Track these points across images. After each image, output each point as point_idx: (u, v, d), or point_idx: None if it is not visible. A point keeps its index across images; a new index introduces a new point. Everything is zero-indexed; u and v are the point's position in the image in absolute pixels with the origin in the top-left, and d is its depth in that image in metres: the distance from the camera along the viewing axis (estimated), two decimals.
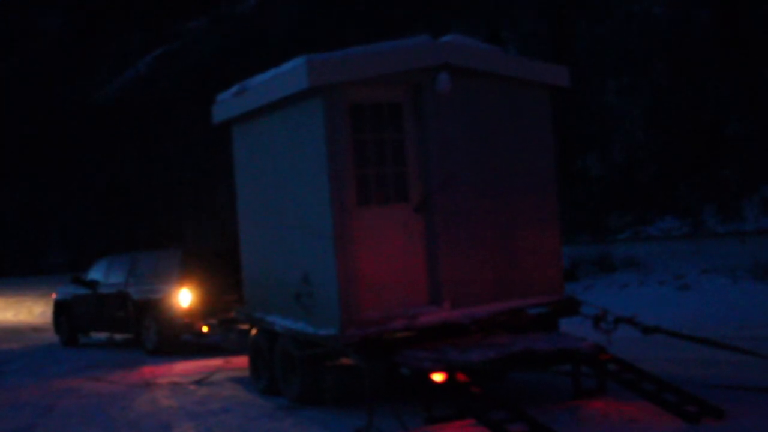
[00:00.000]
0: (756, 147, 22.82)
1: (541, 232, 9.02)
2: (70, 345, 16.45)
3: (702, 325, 11.54)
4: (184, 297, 13.58)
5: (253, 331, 10.01)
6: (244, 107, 9.41)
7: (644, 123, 28.20)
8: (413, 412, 7.53)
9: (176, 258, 14.19)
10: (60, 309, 16.91)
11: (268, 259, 9.49)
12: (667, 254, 21.31)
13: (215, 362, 12.28)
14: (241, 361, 11.20)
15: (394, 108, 8.43)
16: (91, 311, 15.89)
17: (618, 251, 21.86)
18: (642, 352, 9.50)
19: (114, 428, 8.40)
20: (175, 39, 55.65)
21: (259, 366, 9.84)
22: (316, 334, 8.22)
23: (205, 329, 13.41)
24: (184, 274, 13.80)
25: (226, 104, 9.87)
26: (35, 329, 20.04)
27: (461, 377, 7.39)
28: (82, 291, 16.05)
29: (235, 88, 9.57)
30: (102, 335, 16.80)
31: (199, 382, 10.71)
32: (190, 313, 13.55)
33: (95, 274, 16.05)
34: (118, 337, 16.50)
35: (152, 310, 14.09)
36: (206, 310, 13.51)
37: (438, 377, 7.33)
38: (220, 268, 13.70)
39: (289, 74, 8.17)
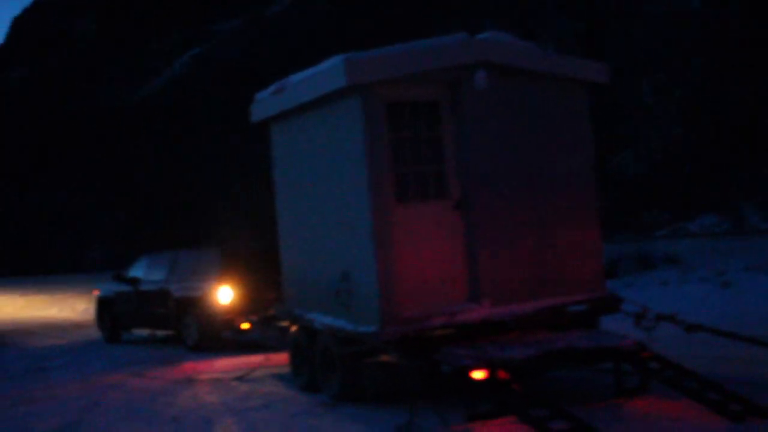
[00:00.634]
0: None
1: (581, 229, 8.97)
2: (113, 341, 16.65)
3: (744, 323, 11.38)
4: (225, 294, 13.69)
5: (293, 329, 10.07)
6: (282, 106, 9.47)
7: (681, 120, 27.92)
8: (454, 409, 7.55)
9: (216, 256, 14.32)
10: (102, 306, 17.11)
11: (307, 256, 9.55)
12: (707, 251, 21.05)
13: (255, 359, 12.35)
14: (281, 358, 11.27)
15: (431, 106, 8.44)
16: (133, 308, 16.07)
17: (658, 248, 21.64)
18: (684, 350, 9.41)
19: (158, 423, 8.51)
20: (210, 39, 56.06)
21: (299, 363, 9.90)
22: (355, 332, 8.26)
23: (245, 326, 13.51)
24: (224, 271, 13.91)
25: (264, 103, 9.94)
26: (78, 326, 20.29)
27: (502, 374, 7.38)
28: (124, 288, 16.24)
29: (273, 87, 9.63)
30: (144, 332, 16.98)
31: (240, 379, 10.80)
32: (231, 310, 13.65)
33: (136, 271, 16.23)
34: (159, 333, 16.66)
35: (193, 307, 14.22)
36: (246, 307, 13.60)
37: (478, 374, 7.32)
38: (259, 266, 13.79)
39: (327, 73, 8.21)
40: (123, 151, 52.71)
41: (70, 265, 51.18)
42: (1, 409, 9.77)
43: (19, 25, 76.02)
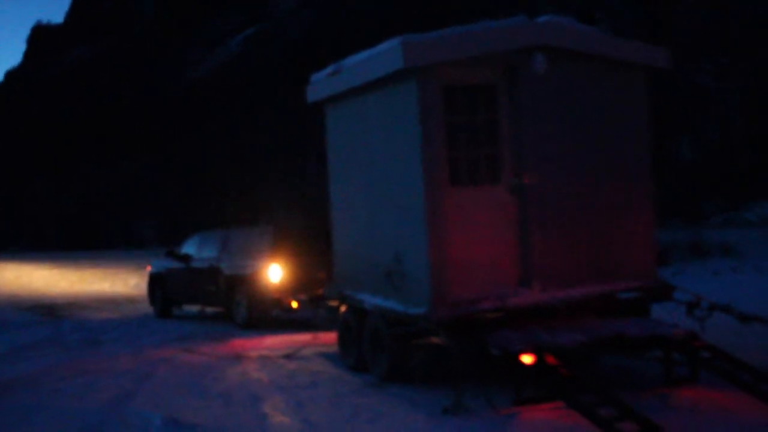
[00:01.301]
0: None
1: (634, 215, 8.90)
2: (164, 316, 16.90)
3: None
4: (275, 273, 13.81)
5: (343, 308, 10.14)
6: (338, 87, 9.51)
7: (742, 106, 27.39)
8: (502, 393, 7.56)
9: (268, 234, 14.43)
10: (154, 281, 17.38)
11: (359, 237, 9.60)
12: (762, 241, 20.69)
13: (303, 337, 12.47)
14: (329, 337, 11.37)
15: (488, 89, 8.42)
16: (184, 284, 16.30)
17: (711, 237, 21.31)
18: (736, 342, 9.28)
19: (207, 398, 8.63)
20: (267, 19, 56.30)
21: (347, 342, 9.97)
22: (406, 313, 8.29)
23: (294, 305, 13.64)
24: (275, 250, 14.03)
25: (320, 84, 9.99)
26: (130, 300, 20.63)
27: (551, 359, 7.38)
28: (176, 264, 16.47)
29: (329, 69, 9.67)
30: (194, 308, 17.22)
31: (288, 357, 10.91)
32: (280, 288, 13.77)
33: (188, 248, 16.44)
34: (209, 310, 16.89)
35: (243, 285, 14.38)
36: (296, 286, 13.72)
37: (527, 359, 7.34)
38: (310, 246, 13.89)
39: (384, 55, 8.22)
40: (179, 130, 53.30)
41: (124, 242, 52.05)
42: (59, 380, 9.98)
43: (79, 4, 77.09)
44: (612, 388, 7.38)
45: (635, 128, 8.95)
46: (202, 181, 49.70)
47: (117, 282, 26.21)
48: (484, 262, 8.29)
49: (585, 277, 8.55)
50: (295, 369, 10.06)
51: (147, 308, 17.76)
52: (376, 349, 9.13)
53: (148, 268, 18.01)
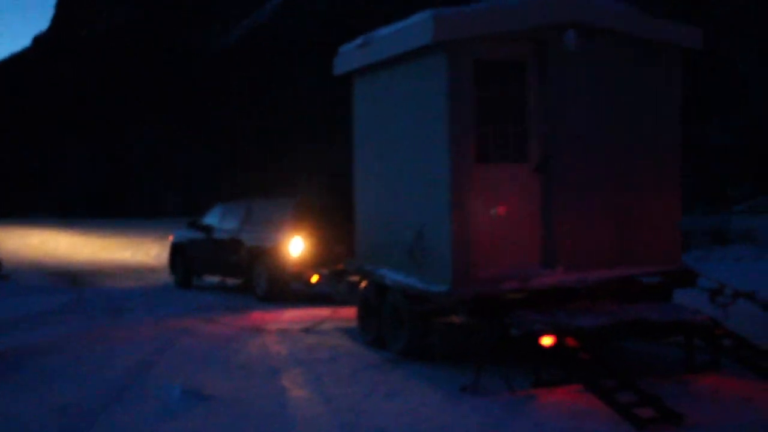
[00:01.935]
0: None
1: (661, 199, 8.80)
2: (184, 286, 16.99)
3: None
4: (296, 246, 13.82)
5: (363, 284, 10.13)
6: (367, 60, 9.44)
7: None
8: (521, 374, 7.54)
9: (290, 207, 14.43)
10: (176, 251, 17.44)
11: (382, 212, 9.57)
12: None
13: (323, 312, 12.48)
14: (348, 312, 11.37)
15: (518, 65, 8.33)
16: (206, 255, 16.35)
17: (734, 223, 21.14)
18: (760, 330, 9.19)
19: (227, 369, 8.67)
20: None
21: (366, 318, 9.97)
22: (427, 290, 8.27)
23: (314, 279, 13.66)
24: (296, 223, 14.03)
25: (349, 56, 9.92)
26: (152, 269, 20.78)
27: (571, 342, 7.34)
28: (198, 235, 16.52)
29: (358, 41, 9.59)
30: (214, 279, 17.29)
31: (307, 330, 10.92)
32: (301, 262, 13.79)
33: (211, 219, 16.48)
34: (229, 281, 16.96)
35: (264, 257, 14.40)
36: (317, 260, 13.74)
37: (547, 340, 7.30)
38: (332, 220, 13.88)
39: (415, 28, 8.15)
40: (207, 98, 53.32)
41: (149, 211, 52.29)
42: (81, 346, 10.06)
43: None
44: (632, 373, 7.34)
45: (666, 111, 8.83)
46: (228, 151, 49.77)
47: (139, 251, 26.40)
48: (507, 241, 8.24)
49: (609, 259, 8.49)
50: (314, 343, 10.07)
51: (167, 278, 17.86)
52: (396, 325, 9.12)
53: (170, 238, 18.09)
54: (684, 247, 17.16)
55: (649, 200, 8.74)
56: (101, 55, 65.07)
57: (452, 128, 7.87)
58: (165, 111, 56.25)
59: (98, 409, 7.09)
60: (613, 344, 8.96)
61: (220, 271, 16.28)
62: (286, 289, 14.25)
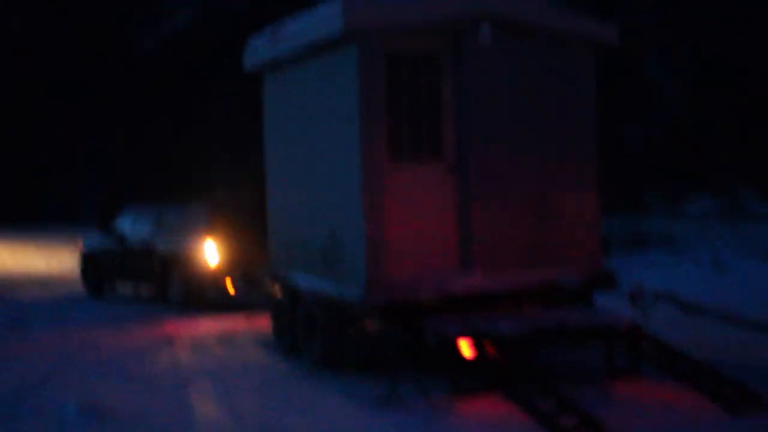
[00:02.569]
0: None
1: (579, 199, 8.60)
2: (97, 296, 16.31)
3: (739, 308, 11.03)
4: (211, 251, 13.34)
5: (277, 290, 9.75)
6: (277, 52, 9.02)
7: (686, 96, 27.46)
8: (438, 383, 7.26)
9: (203, 211, 13.93)
10: (87, 259, 16.74)
11: (294, 214, 9.20)
12: (702, 233, 20.80)
13: (239, 320, 12.08)
14: (265, 320, 10.96)
15: (432, 60, 8.04)
16: (118, 262, 15.71)
17: (652, 228, 21.37)
18: (680, 334, 9.11)
19: (132, 383, 8.20)
20: None
21: (281, 325, 9.59)
22: (340, 296, 7.93)
23: (230, 285, 13.19)
24: (211, 227, 13.55)
25: (258, 49, 9.49)
26: (63, 278, 19.94)
27: (489, 348, 7.09)
28: (109, 241, 15.88)
29: (267, 32, 9.18)
30: (128, 288, 16.65)
31: (220, 341, 10.50)
32: (216, 268, 13.30)
33: (122, 224, 15.85)
34: (144, 289, 16.35)
35: (178, 263, 13.88)
36: (233, 265, 13.26)
37: (465, 347, 7.04)
38: (248, 223, 13.42)
39: (324, 17, 7.80)
40: (123, 102, 52.19)
41: (64, 215, 50.81)
42: None
43: None
44: (552, 379, 7.13)
45: (582, 107, 8.63)
46: (145, 154, 48.76)
47: (52, 259, 25.42)
48: (424, 243, 7.94)
49: (528, 262, 8.26)
50: (226, 354, 9.67)
51: (80, 287, 17.13)
52: (310, 333, 8.75)
53: (80, 245, 17.38)
54: (604, 252, 17.22)
55: (568, 200, 8.53)
56: (13, 52, 63.13)
57: (364, 124, 7.55)
58: (81, 112, 54.84)
59: None
60: (532, 350, 8.75)
61: (134, 279, 15.65)
62: (202, 297, 13.74)
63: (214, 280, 13.31)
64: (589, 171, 8.68)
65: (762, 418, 6.47)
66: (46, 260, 25.22)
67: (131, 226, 15.48)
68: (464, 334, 7.06)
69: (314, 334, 8.61)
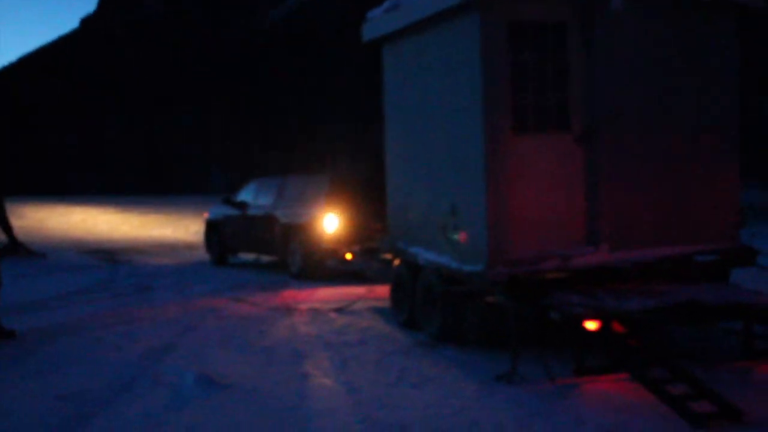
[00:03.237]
0: None
1: (718, 172, 8.06)
2: (219, 264, 16.61)
3: None
4: (330, 223, 13.32)
5: (396, 262, 9.58)
6: (396, 25, 8.81)
7: None
8: (561, 362, 6.94)
9: (324, 183, 13.93)
10: (211, 229, 17.08)
11: (414, 188, 8.98)
12: None
13: (358, 290, 12.01)
14: (384, 291, 10.83)
15: (558, 27, 7.60)
16: (240, 232, 15.94)
17: None
18: None
19: (250, 353, 8.20)
20: None
21: (400, 298, 9.43)
22: (460, 270, 7.68)
23: (348, 256, 13.14)
24: (331, 199, 13.52)
25: (377, 21, 9.30)
26: (189, 246, 20.42)
27: (617, 327, 6.72)
28: (233, 212, 16.11)
29: (387, 4, 8.96)
30: (250, 256, 16.89)
31: (339, 310, 10.44)
32: (335, 239, 13.28)
33: (245, 195, 16.05)
34: (264, 258, 16.54)
35: (298, 234, 13.93)
36: (351, 237, 13.21)
37: (591, 325, 6.71)
38: (367, 196, 13.33)
39: None
40: (249, 80, 53.24)
41: (192, 188, 52.37)
42: (102, 327, 9.69)
43: None
44: (684, 360, 6.71)
45: (723, 78, 8.06)
46: (270, 128, 49.61)
47: (179, 228, 26.13)
48: (548, 217, 7.57)
49: (659, 237, 7.80)
50: (344, 324, 9.58)
51: (204, 255, 17.50)
52: (429, 306, 8.56)
53: (205, 215, 17.71)
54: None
55: (705, 173, 8.01)
56: (146, 36, 65.31)
57: (486, 96, 7.22)
58: (208, 90, 56.30)
59: (104, 399, 6.63)
60: (663, 329, 8.30)
61: (255, 249, 15.86)
62: (321, 267, 13.76)
63: (333, 251, 13.30)
64: (731, 143, 8.13)
65: None
66: (173, 229, 25.92)
67: (254, 196, 15.66)
68: (590, 311, 6.70)
69: (434, 308, 8.41)
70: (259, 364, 7.70)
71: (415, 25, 8.36)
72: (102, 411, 6.31)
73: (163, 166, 59.16)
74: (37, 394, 6.81)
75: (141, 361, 7.92)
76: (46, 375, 7.47)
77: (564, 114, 7.67)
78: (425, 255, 8.47)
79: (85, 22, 77.23)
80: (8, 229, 9.67)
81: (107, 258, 18.13)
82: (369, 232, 12.73)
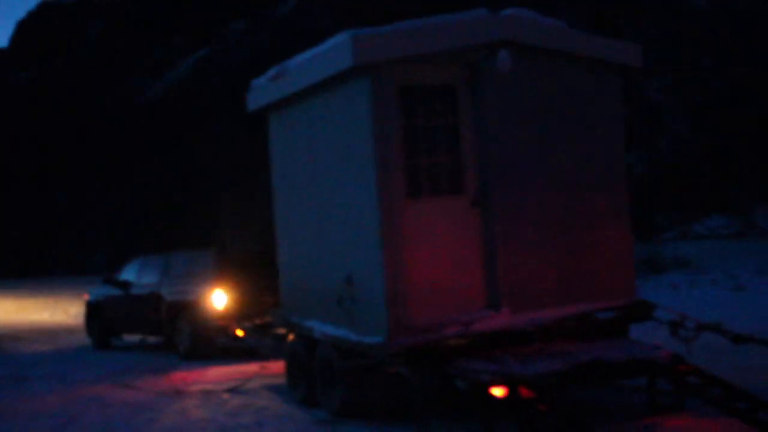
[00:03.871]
0: None
1: (610, 229, 8.07)
2: (102, 348, 15.78)
3: (762, 329, 10.44)
4: (219, 299, 12.83)
5: (290, 337, 9.20)
6: (282, 92, 8.58)
7: (691, 120, 27.18)
8: (471, 430, 6.68)
9: (210, 258, 13.46)
10: (92, 311, 16.25)
11: (307, 258, 8.67)
12: (717, 254, 20.48)
13: (251, 368, 11.54)
14: (279, 367, 10.42)
15: (448, 90, 7.53)
16: (124, 313, 15.22)
17: (666, 251, 21.09)
18: (726, 361, 8.54)
19: None
20: (215, 42, 55.51)
21: (296, 375, 9.03)
22: (359, 342, 7.37)
23: (240, 333, 12.64)
24: (218, 275, 13.05)
25: (262, 90, 9.06)
26: (69, 330, 19.43)
27: (525, 392, 6.52)
28: (115, 292, 15.39)
29: (272, 71, 8.75)
30: (135, 338, 16.13)
31: (232, 390, 9.95)
32: (225, 315, 12.78)
33: (128, 274, 15.37)
34: (151, 339, 15.82)
35: (186, 312, 13.36)
36: (242, 312, 12.73)
37: (498, 392, 6.47)
38: (256, 269, 12.94)
39: (332, 52, 7.33)
40: (130, 153, 52.20)
41: (70, 269, 50.52)
42: None
43: (24, 28, 75.42)
44: (593, 420, 6.56)
45: (610, 133, 8.14)
46: (153, 204, 48.53)
47: (57, 311, 24.92)
48: (447, 283, 7.38)
49: (558, 296, 7.71)
50: (239, 405, 9.11)
51: (86, 339, 16.61)
52: (328, 382, 8.19)
53: (85, 297, 16.87)
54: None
55: (598, 229, 8.01)
56: (16, 113, 63.40)
57: (378, 161, 7.02)
58: (85, 166, 54.88)
59: None
60: (570, 390, 8.17)
61: (140, 329, 15.13)
62: (211, 345, 13.19)
63: (223, 328, 12.79)
64: (620, 198, 8.19)
65: None
66: (51, 313, 24.74)
67: (137, 275, 15.01)
68: (496, 378, 6.49)
69: (332, 384, 8.05)
70: None
71: (303, 91, 8.15)
72: None
73: (38, 246, 56.90)
74: None
75: None
76: None
77: (458, 177, 7.56)
78: (322, 328, 8.13)
79: None
80: None
81: None
82: (260, 307, 12.28)
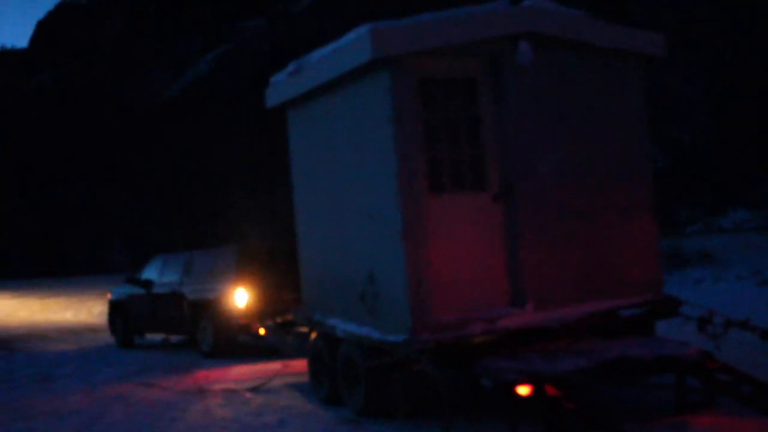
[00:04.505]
0: None
1: (636, 223, 7.94)
2: (125, 347, 15.82)
3: None
4: (241, 297, 12.80)
5: (313, 335, 9.14)
6: (301, 88, 8.50)
7: (711, 110, 26.83)
8: (495, 429, 6.59)
9: (232, 256, 13.42)
10: (115, 310, 16.31)
11: (328, 255, 8.60)
12: (741, 247, 20.19)
13: (273, 366, 11.50)
14: (302, 365, 10.36)
15: (469, 83, 7.43)
16: (147, 312, 15.25)
17: (690, 245, 20.79)
18: (757, 359, 8.39)
19: None
20: (235, 38, 55.56)
21: (319, 373, 8.97)
22: (383, 340, 7.29)
23: (262, 331, 12.60)
24: (240, 272, 13.02)
25: (281, 86, 8.99)
26: (93, 329, 19.52)
27: (550, 390, 6.42)
28: (137, 291, 15.41)
29: (290, 67, 8.67)
30: (158, 336, 16.15)
31: (255, 389, 9.91)
32: (247, 313, 12.74)
33: (150, 273, 15.39)
34: (173, 338, 15.83)
35: (208, 310, 13.35)
36: (264, 310, 12.68)
37: (524, 390, 6.37)
38: (278, 266, 12.88)
39: (351, 46, 7.24)
40: (149, 152, 52.37)
41: (92, 267, 50.75)
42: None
43: (43, 29, 75.88)
44: (619, 419, 6.45)
45: (634, 125, 8.00)
46: (173, 202, 48.67)
47: (81, 310, 25.04)
48: (470, 279, 7.28)
49: (584, 293, 7.59)
50: (262, 404, 9.06)
51: (109, 338, 16.66)
52: (351, 380, 8.12)
53: (108, 296, 16.91)
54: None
55: (624, 225, 7.87)
56: (39, 112, 63.78)
57: (399, 156, 6.93)
58: (107, 165, 55.12)
59: None
60: (596, 388, 8.06)
61: (163, 328, 15.15)
62: (233, 344, 13.16)
63: (245, 326, 12.74)
64: (646, 191, 8.04)
65: None
66: (75, 312, 24.86)
67: (159, 273, 15.02)
68: (521, 376, 6.39)
69: (356, 382, 7.98)
70: None
71: (322, 86, 8.06)
72: None
73: (61, 245, 57.23)
74: None
75: None
76: None
77: (480, 171, 7.46)
78: (344, 327, 8.05)
79: None
80: None
81: (2, 346, 17.09)
82: (282, 305, 12.22)
